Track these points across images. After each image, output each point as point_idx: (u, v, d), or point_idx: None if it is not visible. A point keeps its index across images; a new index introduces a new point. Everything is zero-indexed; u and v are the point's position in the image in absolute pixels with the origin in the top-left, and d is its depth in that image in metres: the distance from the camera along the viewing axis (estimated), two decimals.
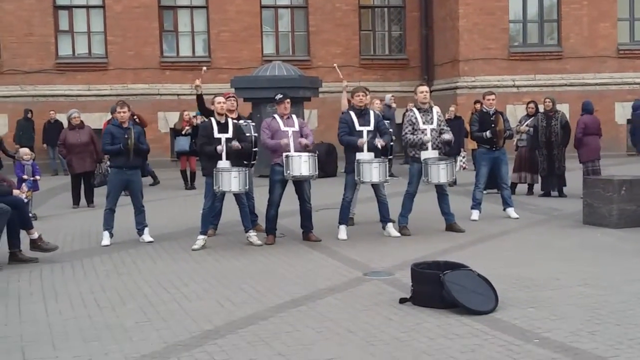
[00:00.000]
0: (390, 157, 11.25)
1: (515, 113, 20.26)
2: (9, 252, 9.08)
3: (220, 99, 10.02)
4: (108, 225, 10.29)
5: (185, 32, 23.81)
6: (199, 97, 11.35)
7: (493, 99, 11.81)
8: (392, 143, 11.09)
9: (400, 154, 19.55)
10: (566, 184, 13.97)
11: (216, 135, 9.77)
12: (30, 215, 9.75)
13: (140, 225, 10.46)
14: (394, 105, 18.24)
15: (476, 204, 11.68)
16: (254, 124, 10.89)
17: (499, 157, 11.69)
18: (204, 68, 13.37)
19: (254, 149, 10.41)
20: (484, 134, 11.54)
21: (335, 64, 13.26)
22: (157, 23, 23.32)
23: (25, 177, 12.56)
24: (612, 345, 5.51)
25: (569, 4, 22.48)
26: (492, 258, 8.69)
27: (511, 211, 11.74)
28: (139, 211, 10.45)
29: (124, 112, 10.47)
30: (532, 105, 14.68)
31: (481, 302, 6.51)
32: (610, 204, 10.64)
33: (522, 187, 14.41)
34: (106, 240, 10.20)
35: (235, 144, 9.72)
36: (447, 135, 10.52)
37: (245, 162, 10.18)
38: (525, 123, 14.39)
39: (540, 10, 22.87)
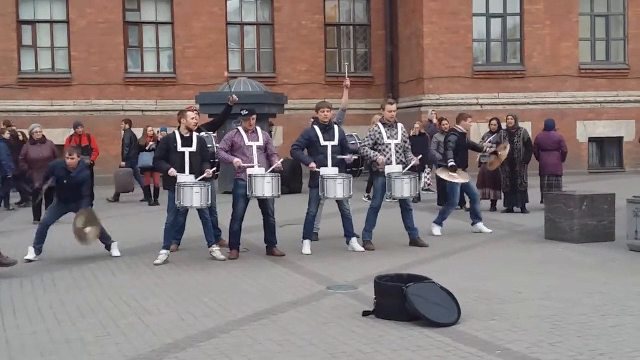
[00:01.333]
0: (362, 168, 11.27)
1: (479, 130, 20.37)
2: None
3: (193, 114, 9.98)
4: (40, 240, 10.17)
5: (151, 48, 23.70)
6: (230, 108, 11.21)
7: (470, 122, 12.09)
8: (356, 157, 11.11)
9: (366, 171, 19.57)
10: (529, 200, 14.10)
11: (180, 149, 9.72)
12: None
13: (105, 242, 10.34)
14: (435, 120, 18.18)
15: (440, 222, 11.71)
16: (215, 135, 10.85)
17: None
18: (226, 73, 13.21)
19: (216, 160, 10.37)
20: (450, 162, 11.65)
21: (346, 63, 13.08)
22: (122, 39, 23.20)
23: None
24: (573, 357, 5.54)
25: (532, 24, 22.77)
26: (455, 272, 8.72)
27: (482, 226, 11.83)
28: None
29: (72, 159, 10.23)
30: (494, 122, 14.81)
31: (444, 314, 6.52)
32: (572, 219, 10.74)
33: (485, 204, 14.48)
34: (31, 254, 10.06)
35: (208, 171, 9.71)
36: (415, 162, 10.55)
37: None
38: (488, 140, 14.50)
39: (504, 30, 23.14)
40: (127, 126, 18.21)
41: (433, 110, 18.66)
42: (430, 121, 18.41)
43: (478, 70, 22.68)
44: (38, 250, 10.10)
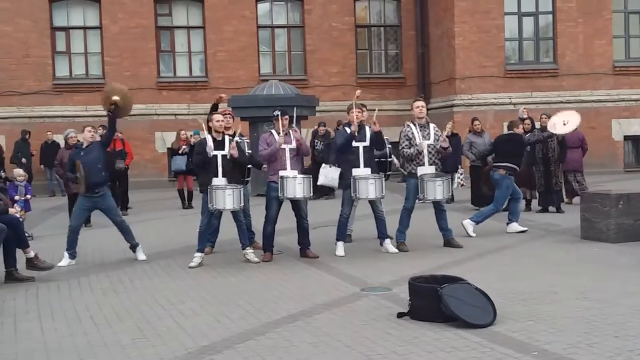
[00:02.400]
0: (390, 172, 11.25)
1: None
2: (5, 270, 9.06)
3: (219, 116, 10.03)
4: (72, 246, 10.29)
5: (182, 52, 23.88)
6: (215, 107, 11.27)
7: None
8: (390, 159, 11.08)
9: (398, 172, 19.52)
10: (564, 200, 13.97)
11: (212, 152, 9.77)
12: (26, 234, 9.72)
13: (130, 245, 10.42)
14: (525, 116, 18.02)
15: (480, 219, 11.68)
16: (248, 140, 10.88)
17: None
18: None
19: (248, 166, 10.41)
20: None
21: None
22: (154, 43, 23.40)
23: (17, 197, 12.52)
24: (610, 357, 5.48)
25: (565, 21, 22.57)
26: (490, 272, 8.67)
27: (516, 225, 11.76)
28: (122, 229, 10.42)
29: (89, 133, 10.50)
30: (528, 121, 14.68)
31: (479, 315, 6.48)
32: (608, 218, 10.63)
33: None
34: (65, 261, 10.17)
35: (234, 149, 9.73)
36: (445, 143, 10.50)
37: (240, 179, 10.19)
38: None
39: (536, 29, 22.96)
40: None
41: (524, 108, 18.37)
42: (522, 119, 18.19)
43: (510, 69, 22.52)
44: (71, 255, 10.21)
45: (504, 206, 11.97)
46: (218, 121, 9.94)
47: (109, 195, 10.52)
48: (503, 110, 21.75)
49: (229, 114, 11.04)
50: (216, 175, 9.72)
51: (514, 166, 11.74)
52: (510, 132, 12.14)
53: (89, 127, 10.61)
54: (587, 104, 22.05)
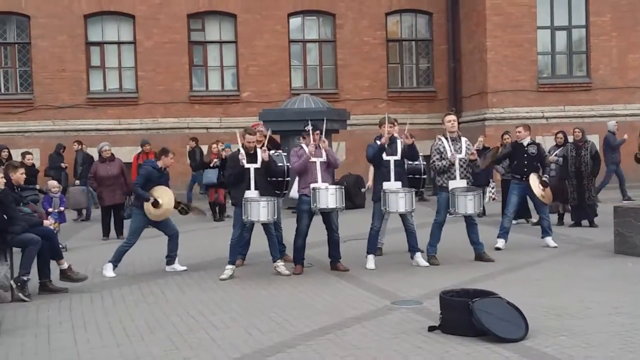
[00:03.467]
0: (422, 189, 11.22)
1: (544, 144, 20.14)
2: (39, 282, 9.16)
3: (251, 137, 10.03)
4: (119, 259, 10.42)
5: (215, 66, 24.06)
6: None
7: (519, 130, 12.07)
8: (424, 175, 11.07)
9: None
10: (597, 214, 13.82)
11: (245, 165, 9.82)
12: (60, 246, 9.84)
13: (174, 253, 10.53)
14: (615, 129, 17.96)
15: (503, 233, 11.60)
16: (285, 154, 10.93)
17: (527, 187, 11.66)
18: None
19: (287, 179, 10.45)
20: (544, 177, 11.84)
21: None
22: (187, 58, 23.60)
23: (50, 209, 12.66)
24: None
25: (598, 35, 22.42)
26: (522, 287, 8.61)
27: (549, 240, 11.65)
28: (174, 238, 10.55)
29: (170, 159, 10.66)
30: (560, 135, 14.61)
31: (511, 329, 6.44)
32: None
33: (552, 217, 14.24)
34: (110, 271, 10.31)
35: (265, 152, 9.84)
36: (472, 156, 10.46)
37: (277, 191, 10.23)
38: (554, 153, 14.33)
39: (569, 42, 22.84)
40: (80, 147, 19.05)
41: (616, 122, 18.17)
42: (612, 133, 18.17)
43: (543, 83, 22.39)
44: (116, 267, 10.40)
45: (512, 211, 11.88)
46: (249, 142, 9.98)
47: None
48: (535, 124, 21.57)
49: (261, 128, 11.10)
50: (249, 188, 9.77)
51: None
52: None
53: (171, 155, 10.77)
54: (621, 118, 21.79)
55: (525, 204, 12.36)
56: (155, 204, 10.34)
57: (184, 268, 10.46)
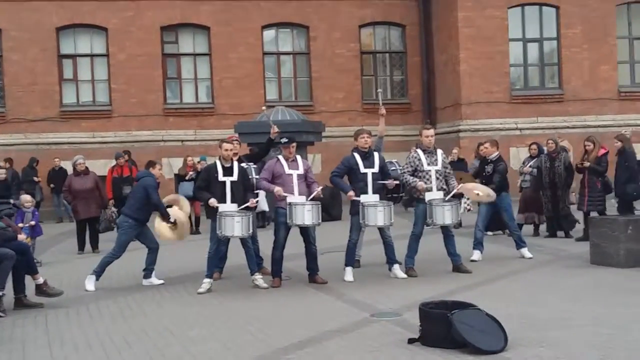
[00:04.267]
0: (402, 194, 11.23)
1: (518, 155, 20.37)
2: (14, 297, 9.05)
3: (229, 145, 10.03)
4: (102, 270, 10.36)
5: (189, 79, 24.04)
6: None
7: (483, 148, 12.20)
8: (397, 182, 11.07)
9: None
10: (575, 225, 13.90)
11: (221, 178, 9.78)
12: (35, 260, 9.73)
13: (152, 266, 10.47)
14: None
15: (477, 244, 11.66)
16: (255, 166, 10.91)
17: (496, 204, 11.70)
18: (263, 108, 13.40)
19: (256, 192, 10.42)
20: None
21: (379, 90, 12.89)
22: (161, 70, 23.56)
23: (20, 224, 12.47)
24: None
25: (569, 47, 22.69)
26: (500, 298, 8.62)
27: (525, 251, 11.70)
28: (154, 251, 10.51)
29: (159, 169, 10.87)
30: (534, 146, 14.74)
31: (490, 341, 6.45)
32: (617, 243, 10.59)
33: (528, 228, 14.36)
34: (91, 283, 10.25)
35: (252, 201, 9.85)
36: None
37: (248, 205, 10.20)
38: (529, 164, 14.44)
39: (541, 54, 23.09)
40: (8, 165, 18.94)
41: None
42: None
43: (516, 95, 22.61)
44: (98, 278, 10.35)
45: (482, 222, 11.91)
46: (227, 150, 9.96)
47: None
48: (509, 136, 21.81)
49: (236, 140, 11.07)
50: (224, 201, 9.73)
51: None
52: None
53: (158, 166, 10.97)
54: (593, 129, 21.94)
55: (499, 215, 12.40)
56: (174, 224, 10.50)
57: (161, 281, 10.41)
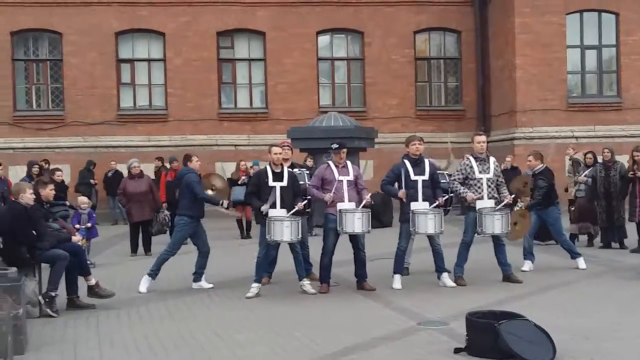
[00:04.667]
0: (449, 208, 11.14)
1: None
2: (67, 298, 9.21)
3: (277, 149, 10.10)
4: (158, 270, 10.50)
5: (243, 84, 24.23)
6: None
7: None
8: (451, 194, 10.97)
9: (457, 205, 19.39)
10: (627, 236, 13.67)
11: (271, 183, 9.83)
12: (88, 262, 9.91)
13: (202, 270, 10.57)
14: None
15: (527, 254, 11.52)
16: (308, 172, 10.93)
17: (542, 217, 11.58)
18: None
19: (307, 197, 10.45)
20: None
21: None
22: (216, 75, 23.80)
23: (77, 226, 12.72)
24: None
25: (629, 55, 22.29)
26: (550, 309, 8.51)
27: (580, 261, 11.53)
28: (205, 256, 10.60)
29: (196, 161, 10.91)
30: (590, 155, 14.50)
31: (538, 352, 6.37)
32: None
33: (582, 239, 14.14)
34: (145, 284, 10.42)
35: (299, 204, 9.80)
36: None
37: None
38: (584, 173, 14.21)
39: (599, 62, 22.71)
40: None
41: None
42: None
43: (573, 103, 22.27)
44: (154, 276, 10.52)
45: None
46: (276, 154, 10.01)
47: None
48: (565, 144, 21.44)
49: (287, 145, 11.12)
50: (274, 207, 9.78)
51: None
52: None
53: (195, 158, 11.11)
54: None
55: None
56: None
57: (211, 285, 10.49)
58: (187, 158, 10.99)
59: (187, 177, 10.68)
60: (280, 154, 10.07)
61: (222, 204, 10.62)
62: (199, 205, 10.58)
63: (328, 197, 9.85)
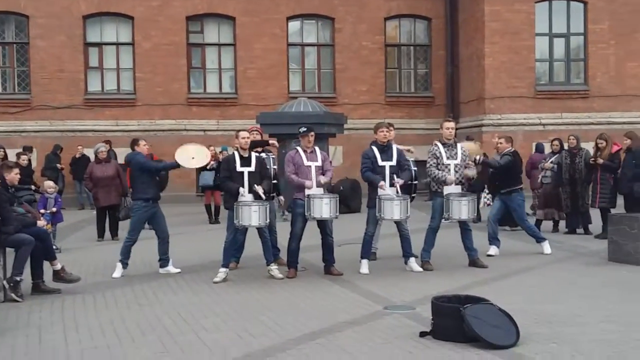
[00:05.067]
0: (414, 195, 11.18)
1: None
2: (32, 282, 9.15)
3: (245, 134, 10.08)
4: (126, 257, 10.40)
5: (213, 69, 24.09)
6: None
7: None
8: (415, 181, 11.02)
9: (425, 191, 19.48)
10: (591, 222, 13.83)
11: (238, 169, 9.81)
12: (54, 247, 9.82)
13: (166, 255, 10.50)
14: None
15: (492, 239, 11.62)
16: (274, 156, 10.91)
17: (506, 203, 11.67)
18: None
19: (274, 182, 10.44)
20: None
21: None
22: (185, 60, 23.63)
23: (42, 210, 12.60)
24: None
25: (596, 43, 22.46)
26: (514, 293, 8.61)
27: (545, 245, 11.68)
28: (165, 242, 10.51)
29: (144, 145, 10.66)
30: (556, 142, 14.63)
31: (502, 336, 6.44)
32: (636, 241, 10.51)
33: (547, 224, 14.29)
34: (118, 272, 10.29)
35: (260, 190, 9.74)
36: (470, 171, 10.51)
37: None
38: (550, 160, 14.34)
39: (567, 50, 22.87)
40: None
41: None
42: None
43: (541, 90, 22.42)
44: (125, 265, 10.40)
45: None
46: (244, 138, 9.99)
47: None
48: (532, 131, 21.67)
49: (256, 130, 11.10)
50: (243, 194, 9.75)
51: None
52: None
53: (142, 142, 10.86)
54: (618, 126, 21.79)
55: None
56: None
57: (178, 270, 10.46)
58: (135, 142, 10.80)
59: (134, 159, 10.59)
60: (247, 138, 10.05)
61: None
62: (152, 187, 10.45)
63: (309, 183, 9.86)
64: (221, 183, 10.23)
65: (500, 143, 12.08)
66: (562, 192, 13.85)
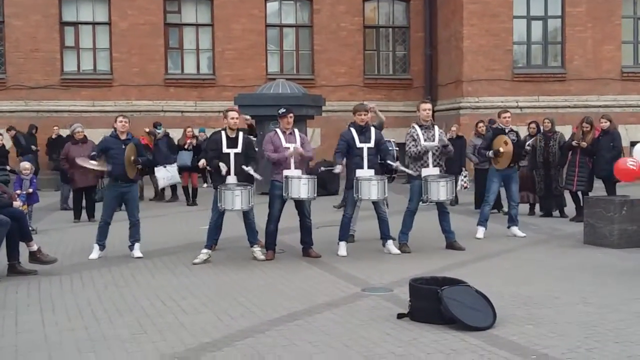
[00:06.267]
0: (394, 176, 11.22)
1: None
2: (7, 263, 9.09)
3: (234, 113, 10.01)
4: (101, 238, 10.30)
5: (190, 49, 23.93)
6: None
7: (509, 117, 11.87)
8: (397, 163, 11.02)
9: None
10: (566, 204, 13.93)
11: (225, 150, 9.76)
12: (30, 228, 9.75)
13: (133, 239, 10.37)
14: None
15: (483, 221, 11.67)
16: (255, 139, 10.88)
17: (510, 175, 11.72)
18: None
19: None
20: (487, 153, 11.63)
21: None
22: (163, 40, 23.46)
23: (18, 191, 12.50)
24: None
25: (573, 26, 22.54)
26: (491, 275, 8.67)
27: (516, 230, 11.73)
28: (133, 224, 10.37)
29: (125, 122, 10.44)
30: (533, 125, 14.66)
31: (479, 318, 6.49)
32: (612, 224, 10.62)
33: (523, 207, 14.36)
34: (95, 253, 10.21)
35: (251, 170, 9.71)
36: (449, 146, 10.52)
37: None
38: (527, 143, 14.37)
39: (545, 33, 22.94)
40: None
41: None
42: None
43: (518, 73, 22.50)
44: (102, 247, 10.29)
45: (492, 198, 11.93)
46: (233, 118, 9.93)
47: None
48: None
49: (235, 111, 11.03)
50: (229, 173, 9.72)
51: None
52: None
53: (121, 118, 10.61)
54: (594, 109, 21.89)
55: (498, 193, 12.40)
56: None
57: (140, 255, 10.20)
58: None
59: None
60: (237, 118, 10.00)
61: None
62: (113, 165, 10.23)
63: (290, 151, 9.81)
64: (209, 162, 10.06)
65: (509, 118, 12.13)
66: (536, 175, 13.94)
